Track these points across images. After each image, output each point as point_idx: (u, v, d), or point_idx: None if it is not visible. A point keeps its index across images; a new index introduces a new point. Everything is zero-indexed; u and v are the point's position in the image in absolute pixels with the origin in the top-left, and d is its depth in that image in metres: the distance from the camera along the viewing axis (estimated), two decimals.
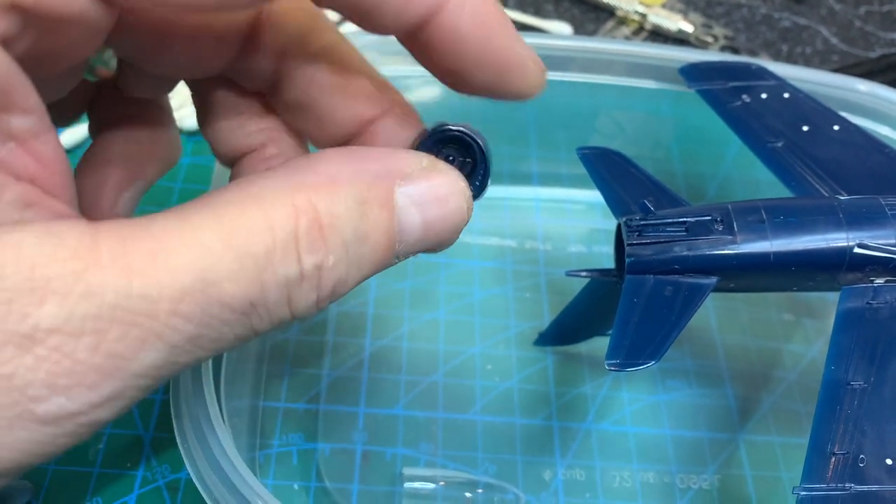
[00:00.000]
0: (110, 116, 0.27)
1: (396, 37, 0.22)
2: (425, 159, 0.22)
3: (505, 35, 0.22)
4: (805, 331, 0.43)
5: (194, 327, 0.18)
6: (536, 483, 0.35)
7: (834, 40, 0.61)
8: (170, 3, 0.19)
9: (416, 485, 0.34)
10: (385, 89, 0.25)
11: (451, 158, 0.24)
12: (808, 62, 0.58)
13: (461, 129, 0.24)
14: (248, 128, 0.27)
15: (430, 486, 0.34)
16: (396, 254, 0.22)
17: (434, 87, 0.41)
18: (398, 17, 0.21)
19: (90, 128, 0.28)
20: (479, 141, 0.24)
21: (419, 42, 0.22)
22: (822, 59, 0.59)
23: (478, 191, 0.24)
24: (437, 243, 0.22)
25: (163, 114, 0.28)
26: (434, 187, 0.22)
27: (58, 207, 0.19)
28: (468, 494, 0.34)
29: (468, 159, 0.24)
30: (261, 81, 0.26)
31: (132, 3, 0.19)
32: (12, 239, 0.17)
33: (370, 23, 0.21)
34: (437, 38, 0.21)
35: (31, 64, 0.18)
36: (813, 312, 0.43)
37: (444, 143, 0.24)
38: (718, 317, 0.42)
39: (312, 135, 0.26)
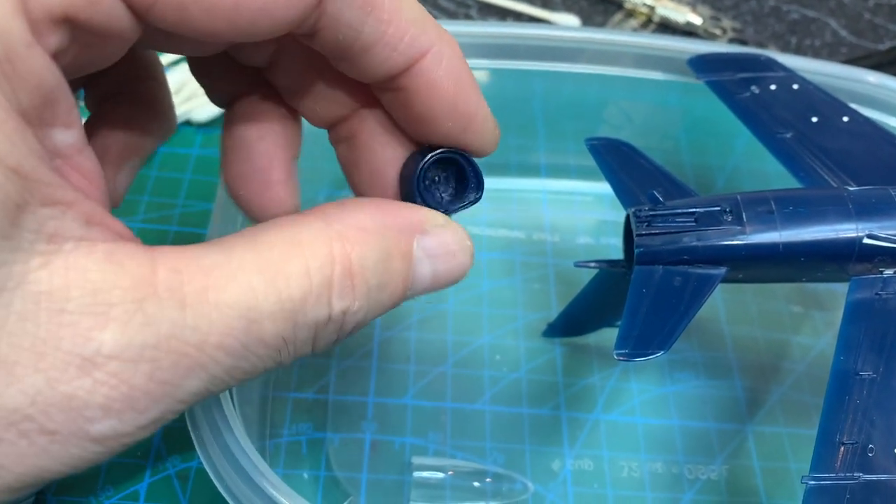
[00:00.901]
0: (107, 91, 0.27)
1: (373, 83, 0.24)
2: (440, 217, 0.24)
3: (473, 92, 0.24)
4: (814, 323, 0.43)
5: (234, 360, 0.20)
6: (545, 473, 0.35)
7: (843, 32, 0.60)
8: (198, 33, 0.20)
9: (425, 474, 0.34)
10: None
11: (446, 177, 0.26)
12: (816, 54, 0.58)
13: (455, 153, 0.25)
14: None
15: (439, 475, 0.34)
16: (406, 298, 0.24)
17: None
18: (384, 63, 0.22)
19: (87, 102, 0.27)
20: (472, 163, 0.26)
21: (395, 87, 0.23)
22: (830, 52, 0.59)
23: (471, 203, 0.26)
24: (442, 288, 0.25)
25: (159, 87, 0.28)
26: (446, 244, 0.24)
27: (117, 227, 0.20)
28: (477, 484, 0.34)
29: (453, 178, 0.26)
30: (259, 60, 0.26)
31: (164, 26, 0.19)
32: (78, 262, 0.18)
33: (360, 68, 0.23)
34: (413, 85, 0.23)
35: (66, 74, 0.18)
36: (822, 304, 0.43)
37: (440, 163, 0.25)
38: (727, 308, 0.42)
39: (306, 115, 0.27)
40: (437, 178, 0.26)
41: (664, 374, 0.39)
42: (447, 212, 0.26)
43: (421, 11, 0.23)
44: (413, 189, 0.25)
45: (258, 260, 0.20)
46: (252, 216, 0.27)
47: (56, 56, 0.18)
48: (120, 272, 0.18)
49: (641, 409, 0.38)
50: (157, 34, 0.21)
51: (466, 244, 0.25)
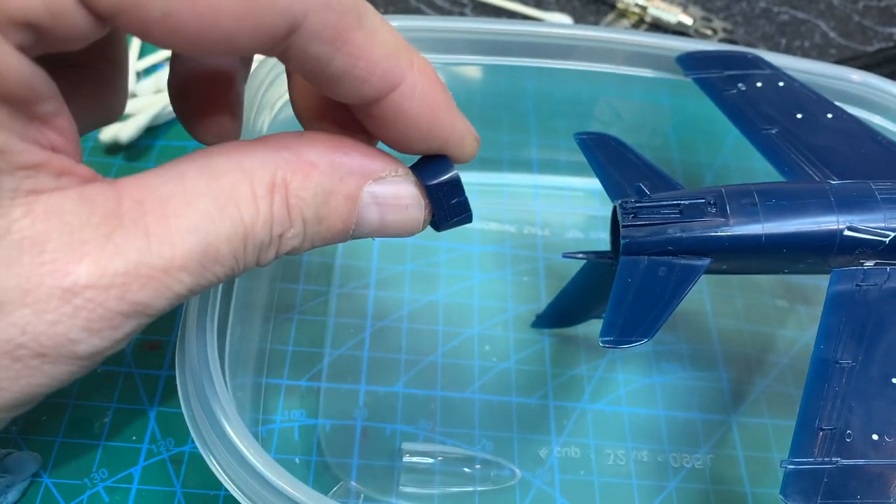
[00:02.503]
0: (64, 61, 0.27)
1: (352, 106, 0.25)
2: (401, 169, 0.25)
3: (448, 114, 0.25)
4: (798, 317, 0.43)
5: (194, 279, 0.22)
6: (532, 460, 0.36)
7: (832, 34, 0.61)
8: (161, 45, 0.21)
9: (415, 459, 0.34)
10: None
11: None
12: (806, 56, 0.59)
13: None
14: None
15: (429, 460, 0.34)
16: (351, 237, 0.25)
17: None
18: (355, 93, 0.23)
19: None
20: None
21: (371, 113, 0.24)
22: (819, 53, 0.60)
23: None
24: (391, 236, 0.26)
25: (115, 69, 0.28)
26: (399, 195, 0.25)
27: (84, 172, 0.21)
28: (466, 470, 0.35)
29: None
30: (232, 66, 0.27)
31: (129, 33, 0.21)
32: (55, 206, 0.20)
33: (331, 92, 0.24)
34: (387, 114, 0.24)
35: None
36: (807, 299, 0.44)
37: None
38: (713, 302, 0.43)
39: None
40: None
41: (651, 365, 0.40)
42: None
43: (394, 43, 0.23)
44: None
45: (211, 187, 0.22)
46: (196, 136, 0.28)
47: (23, 49, 0.19)
48: (91, 209, 0.21)
49: (628, 399, 0.38)
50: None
51: (421, 201, 0.26)
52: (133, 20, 0.19)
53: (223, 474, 0.27)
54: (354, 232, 0.25)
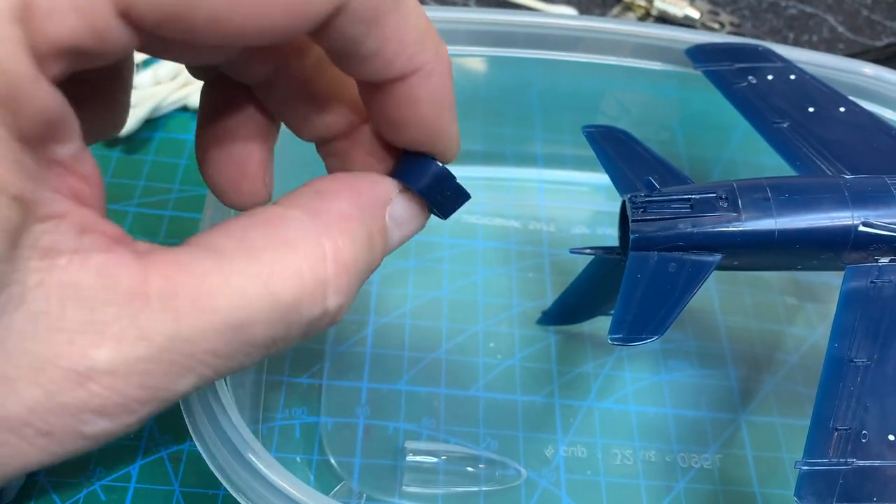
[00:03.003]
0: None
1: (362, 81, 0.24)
2: (399, 184, 0.25)
3: (448, 112, 0.24)
4: (808, 315, 0.43)
5: (223, 361, 0.20)
6: (538, 459, 0.35)
7: (840, 29, 0.61)
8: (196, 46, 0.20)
9: (419, 458, 0.34)
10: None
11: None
12: (814, 50, 0.58)
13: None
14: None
15: (433, 460, 0.34)
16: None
17: None
18: (376, 72, 0.22)
19: None
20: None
21: (380, 92, 0.23)
22: (828, 48, 0.59)
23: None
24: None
25: (118, 86, 0.26)
26: (410, 208, 0.25)
27: (109, 230, 0.20)
28: (470, 469, 0.34)
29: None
30: (253, 78, 0.26)
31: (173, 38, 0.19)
32: (72, 279, 0.18)
33: (351, 69, 0.23)
34: (397, 97, 0.23)
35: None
36: (816, 297, 0.44)
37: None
38: (721, 299, 0.42)
39: (294, 131, 0.27)
40: None
41: (658, 363, 0.39)
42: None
43: (424, 27, 0.23)
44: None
45: (250, 265, 0.20)
46: (226, 202, 0.27)
47: (56, 79, 0.18)
48: (113, 287, 0.19)
49: (635, 398, 0.38)
50: (155, 44, 0.20)
51: (423, 204, 0.26)
52: (178, 28, 0.18)
53: (222, 473, 0.26)
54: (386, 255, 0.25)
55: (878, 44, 0.60)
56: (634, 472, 0.35)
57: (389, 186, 0.25)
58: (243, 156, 0.27)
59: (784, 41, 0.59)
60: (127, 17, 0.17)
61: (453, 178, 0.26)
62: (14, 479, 0.21)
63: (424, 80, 0.23)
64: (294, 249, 0.21)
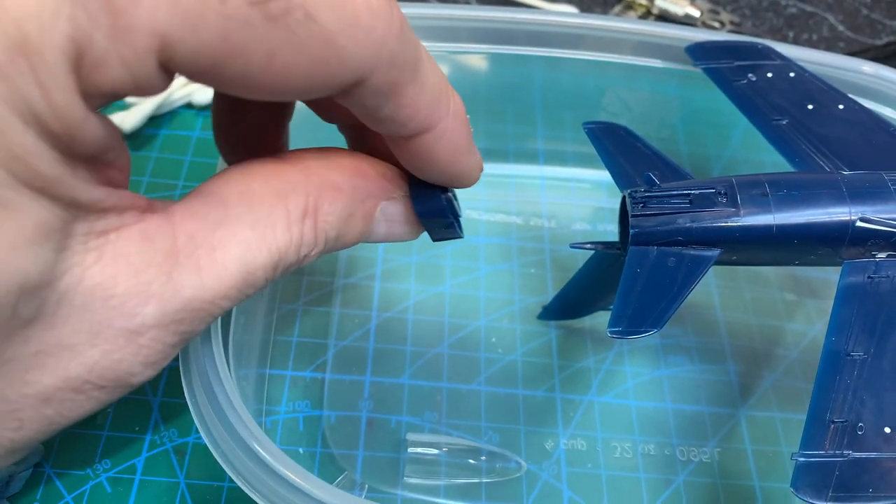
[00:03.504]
0: None
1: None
2: (406, 187, 0.27)
3: (467, 157, 0.26)
4: (807, 310, 0.43)
5: (232, 303, 0.24)
6: (539, 452, 0.35)
7: (840, 27, 0.61)
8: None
9: (420, 450, 0.34)
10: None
11: None
12: (813, 48, 0.58)
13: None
14: None
15: (434, 451, 0.34)
16: (357, 243, 0.27)
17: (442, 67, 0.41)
18: (391, 131, 0.24)
19: None
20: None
21: (398, 144, 0.25)
22: (828, 46, 0.59)
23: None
24: (387, 242, 0.29)
25: None
26: (406, 212, 0.27)
27: (139, 202, 0.22)
28: (471, 461, 0.34)
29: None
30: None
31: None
32: (121, 250, 0.21)
33: (370, 125, 0.25)
34: (414, 150, 0.25)
35: None
36: (815, 293, 0.44)
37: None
38: (721, 295, 0.42)
39: (317, 112, 0.29)
40: None
41: (658, 358, 0.39)
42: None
43: (438, 88, 0.24)
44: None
45: (251, 215, 0.23)
46: None
47: (101, 107, 0.20)
48: (153, 249, 0.22)
49: (635, 392, 0.38)
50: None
51: (413, 221, 0.28)
52: (210, 80, 0.20)
53: (228, 464, 0.26)
54: (359, 242, 0.27)
55: (878, 42, 0.60)
56: (634, 466, 0.36)
57: (394, 184, 0.27)
58: (260, 131, 0.29)
59: (784, 40, 0.59)
60: (166, 67, 0.19)
61: (449, 217, 0.28)
62: (68, 427, 0.23)
63: (439, 138, 0.25)
64: (285, 202, 0.24)
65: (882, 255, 0.32)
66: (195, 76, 0.20)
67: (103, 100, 0.19)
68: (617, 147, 0.36)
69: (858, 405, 0.28)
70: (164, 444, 0.34)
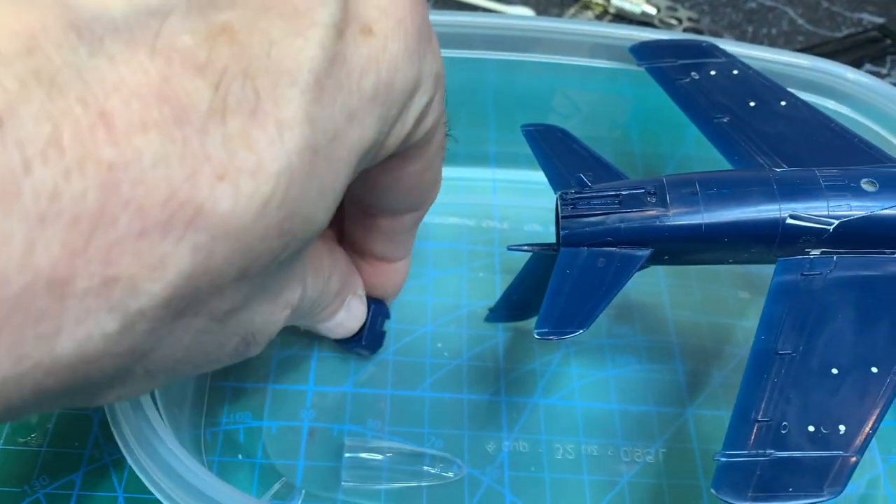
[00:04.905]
0: None
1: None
2: (363, 292, 0.34)
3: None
4: (760, 308, 0.42)
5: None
6: (482, 457, 0.35)
7: (800, 21, 0.61)
8: None
9: (361, 455, 0.34)
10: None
11: None
12: (773, 43, 0.58)
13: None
14: None
15: (377, 457, 0.34)
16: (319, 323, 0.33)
17: None
18: (388, 216, 0.32)
19: None
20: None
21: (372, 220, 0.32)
22: (787, 40, 0.59)
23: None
24: (329, 333, 0.34)
25: None
26: (360, 311, 0.34)
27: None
28: (410, 465, 0.34)
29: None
30: None
31: None
32: None
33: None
34: (385, 272, 0.34)
35: None
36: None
37: None
38: (671, 294, 0.42)
39: None
40: None
41: (605, 359, 0.39)
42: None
43: (438, 177, 0.32)
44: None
45: (313, 259, 0.28)
46: None
47: None
48: None
49: (581, 394, 0.38)
50: None
51: (362, 322, 0.35)
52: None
53: (155, 487, 0.26)
54: (317, 326, 0.33)
55: (838, 35, 0.60)
56: (578, 468, 0.35)
57: (360, 284, 0.33)
58: None
59: (743, 35, 0.59)
60: None
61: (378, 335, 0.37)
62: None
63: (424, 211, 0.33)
64: (321, 263, 0.29)
65: (815, 252, 0.32)
66: None
67: None
68: (553, 149, 0.36)
69: (784, 404, 0.27)
70: (103, 458, 0.34)
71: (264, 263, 0.20)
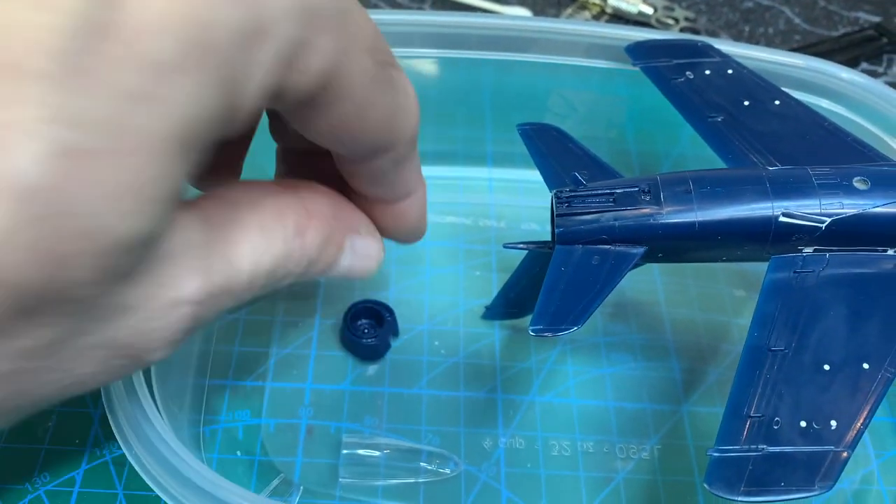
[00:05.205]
0: None
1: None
2: (371, 226, 0.30)
3: (424, 219, 0.31)
4: (755, 305, 0.43)
5: (235, 302, 0.24)
6: (478, 454, 0.36)
7: (797, 20, 0.61)
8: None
9: (356, 451, 0.34)
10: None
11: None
12: (769, 42, 0.59)
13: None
14: None
15: (373, 453, 0.34)
16: (319, 276, 0.29)
17: None
18: (383, 195, 0.29)
19: None
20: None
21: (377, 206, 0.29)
22: (783, 40, 0.59)
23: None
24: (347, 278, 0.30)
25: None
26: (369, 248, 0.30)
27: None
28: (407, 462, 0.34)
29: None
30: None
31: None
32: (183, 223, 0.22)
33: (366, 188, 0.29)
34: (393, 211, 0.29)
35: None
36: None
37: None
38: (666, 291, 0.43)
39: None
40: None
41: (601, 357, 0.39)
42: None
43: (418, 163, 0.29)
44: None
45: (258, 221, 0.24)
46: (194, 185, 0.29)
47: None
48: (208, 227, 0.23)
49: (577, 391, 0.38)
50: None
51: (381, 255, 0.30)
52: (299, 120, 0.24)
53: (155, 483, 0.27)
54: (324, 274, 0.29)
55: (835, 34, 0.60)
56: (574, 464, 0.36)
57: (361, 219, 0.30)
58: (224, 150, 0.29)
59: (740, 34, 0.59)
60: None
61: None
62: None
63: (413, 203, 0.29)
64: (285, 217, 0.25)
65: (808, 250, 0.32)
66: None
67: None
68: (549, 148, 0.36)
69: (776, 399, 0.28)
70: (103, 456, 0.34)
71: (57, 296, 0.18)
